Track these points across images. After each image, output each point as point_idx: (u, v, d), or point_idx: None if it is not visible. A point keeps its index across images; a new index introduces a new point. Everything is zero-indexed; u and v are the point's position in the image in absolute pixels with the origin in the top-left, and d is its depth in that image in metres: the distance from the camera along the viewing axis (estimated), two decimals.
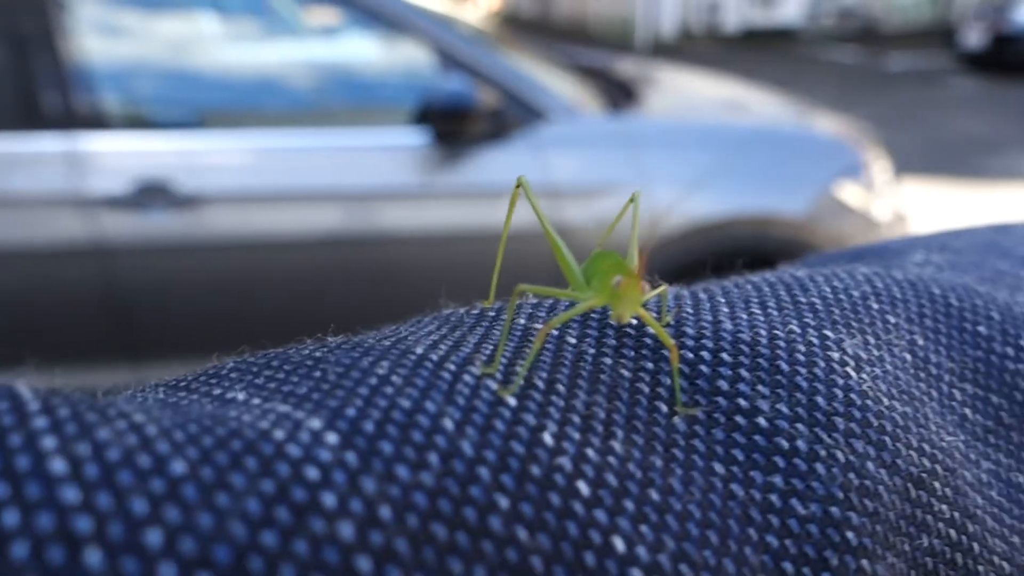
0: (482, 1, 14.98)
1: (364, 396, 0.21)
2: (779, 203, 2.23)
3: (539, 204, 0.31)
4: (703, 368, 0.25)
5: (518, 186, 0.32)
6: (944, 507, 0.25)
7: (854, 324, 0.28)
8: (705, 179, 2.17)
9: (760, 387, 0.24)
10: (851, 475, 0.23)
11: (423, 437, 0.20)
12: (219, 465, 0.18)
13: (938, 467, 0.25)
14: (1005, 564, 0.25)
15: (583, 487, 0.20)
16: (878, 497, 0.23)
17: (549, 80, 2.32)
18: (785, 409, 0.24)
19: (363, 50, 2.41)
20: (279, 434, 0.19)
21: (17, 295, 1.95)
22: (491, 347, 0.25)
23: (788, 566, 0.21)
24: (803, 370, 0.25)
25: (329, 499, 0.18)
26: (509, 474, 0.20)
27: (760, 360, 0.25)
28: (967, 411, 0.28)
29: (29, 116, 1.94)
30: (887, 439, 0.24)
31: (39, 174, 1.93)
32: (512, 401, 0.22)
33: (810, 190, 2.27)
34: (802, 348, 0.26)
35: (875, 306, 0.29)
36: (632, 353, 0.25)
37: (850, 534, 0.22)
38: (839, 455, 0.23)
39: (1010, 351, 0.30)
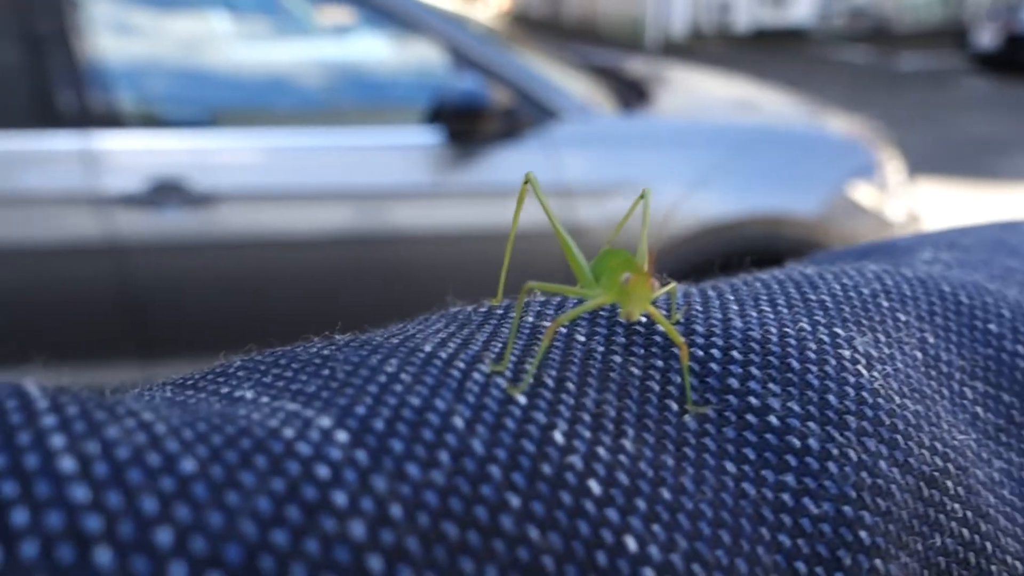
0: (492, 0, 14.97)
1: (373, 394, 0.21)
2: (791, 203, 2.22)
3: (548, 201, 0.31)
4: (713, 366, 0.25)
5: (526, 182, 0.32)
6: (957, 506, 0.24)
7: (864, 322, 0.28)
8: (717, 178, 2.16)
9: (771, 385, 0.24)
10: (864, 474, 0.23)
11: (434, 435, 0.20)
12: (229, 463, 0.18)
13: (950, 466, 0.25)
14: (1018, 564, 0.25)
15: (595, 486, 0.20)
16: (891, 496, 0.23)
17: (561, 79, 2.31)
18: (796, 407, 0.24)
19: (376, 49, 2.41)
20: (289, 432, 0.19)
21: (32, 293, 1.96)
22: (500, 345, 0.25)
23: (801, 565, 0.21)
24: (814, 368, 0.25)
25: (340, 498, 0.18)
26: (520, 473, 0.20)
27: (771, 358, 0.25)
28: (978, 409, 0.28)
29: (44, 115, 1.95)
30: (899, 438, 0.24)
31: (54, 172, 1.94)
32: (522, 399, 0.22)
33: (823, 190, 2.25)
34: (812, 346, 0.26)
35: (885, 304, 0.29)
36: (642, 351, 0.25)
37: (863, 533, 0.22)
38: (851, 454, 0.23)
39: (1021, 349, 0.30)
